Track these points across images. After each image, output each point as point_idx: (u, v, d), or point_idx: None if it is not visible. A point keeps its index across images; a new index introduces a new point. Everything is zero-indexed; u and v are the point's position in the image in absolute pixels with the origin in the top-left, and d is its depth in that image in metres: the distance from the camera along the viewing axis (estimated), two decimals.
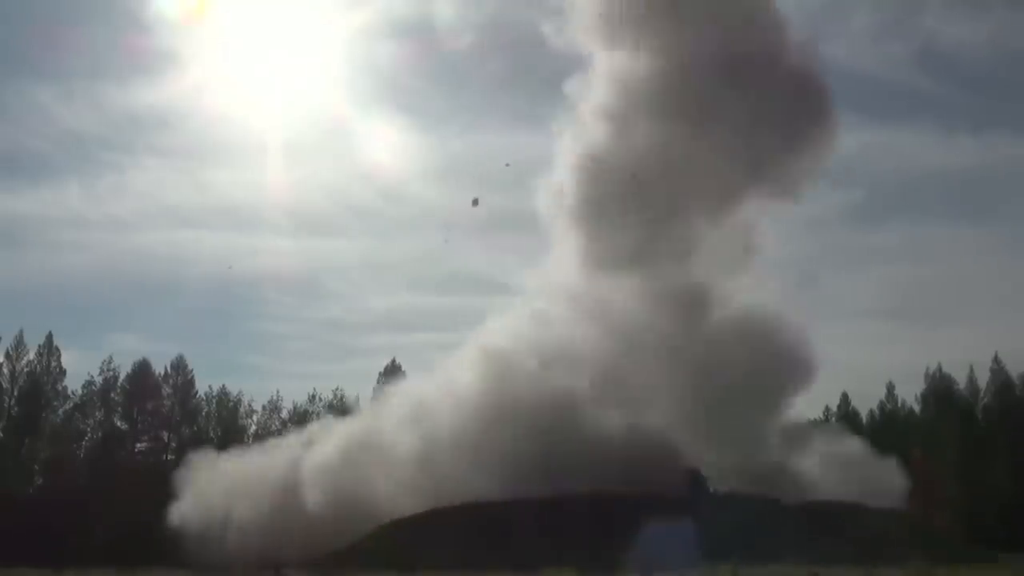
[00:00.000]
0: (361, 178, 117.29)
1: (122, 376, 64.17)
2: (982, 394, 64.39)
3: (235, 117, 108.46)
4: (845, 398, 68.98)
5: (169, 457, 61.68)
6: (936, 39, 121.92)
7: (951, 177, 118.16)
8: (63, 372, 62.59)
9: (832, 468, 43.24)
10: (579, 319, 47.24)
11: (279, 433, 60.80)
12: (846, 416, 66.09)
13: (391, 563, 32.23)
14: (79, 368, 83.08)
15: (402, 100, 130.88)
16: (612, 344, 44.92)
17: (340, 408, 65.33)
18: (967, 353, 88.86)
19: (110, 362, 64.10)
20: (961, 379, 65.19)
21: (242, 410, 68.93)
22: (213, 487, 47.51)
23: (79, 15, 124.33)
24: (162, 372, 65.64)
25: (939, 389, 65.27)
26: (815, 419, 60.56)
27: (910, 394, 68.18)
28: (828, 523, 34.30)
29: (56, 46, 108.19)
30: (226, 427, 66.64)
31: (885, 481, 41.73)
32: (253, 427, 68.88)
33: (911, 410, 67.68)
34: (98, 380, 63.67)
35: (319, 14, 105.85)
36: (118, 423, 63.80)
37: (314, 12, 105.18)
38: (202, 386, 67.71)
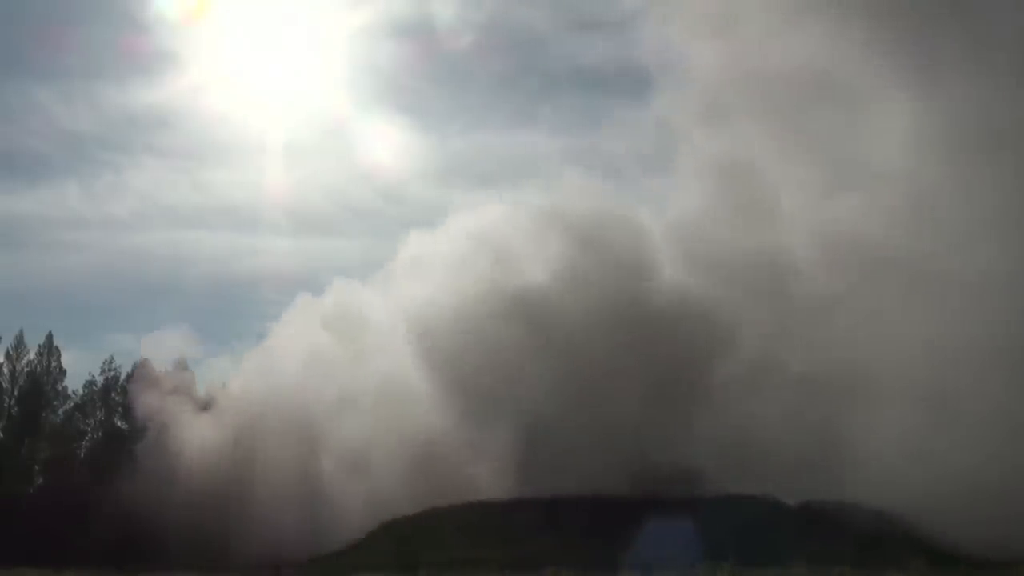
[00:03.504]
0: (361, 178, 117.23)
1: (122, 376, 64.40)
2: None
3: (234, 117, 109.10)
4: None
5: None
6: None
7: None
8: (63, 372, 63.02)
9: None
10: None
11: None
12: None
13: (391, 562, 32.24)
14: (79, 368, 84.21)
15: (402, 100, 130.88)
16: None
17: None
18: None
19: (111, 362, 64.48)
20: None
21: None
22: None
23: (78, 15, 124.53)
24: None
25: None
26: None
27: None
28: (828, 524, 34.22)
29: (55, 46, 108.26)
30: None
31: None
32: None
33: None
34: (99, 380, 63.93)
35: (319, 14, 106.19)
36: (118, 423, 63.94)
37: (314, 12, 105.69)
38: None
